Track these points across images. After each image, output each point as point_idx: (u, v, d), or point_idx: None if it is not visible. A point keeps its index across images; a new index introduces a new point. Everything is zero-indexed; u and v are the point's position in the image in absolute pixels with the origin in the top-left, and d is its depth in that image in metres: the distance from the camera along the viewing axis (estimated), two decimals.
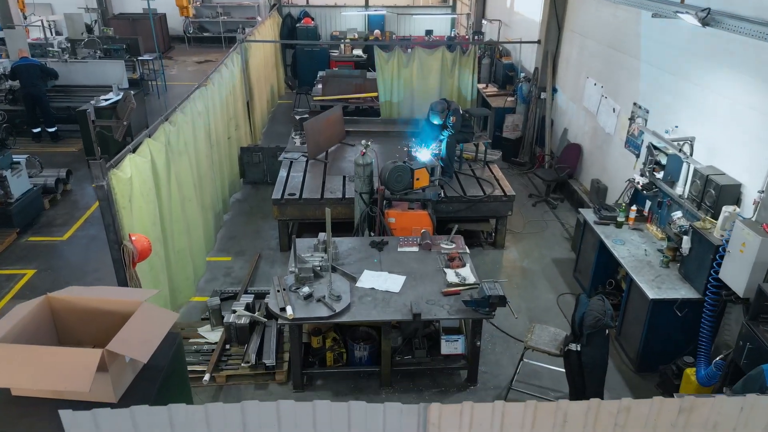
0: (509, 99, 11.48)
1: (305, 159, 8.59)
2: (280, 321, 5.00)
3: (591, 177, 8.62)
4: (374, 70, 13.87)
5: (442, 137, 7.73)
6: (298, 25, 15.38)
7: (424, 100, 10.46)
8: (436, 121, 7.61)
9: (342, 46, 15.69)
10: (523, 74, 11.30)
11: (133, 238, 4.60)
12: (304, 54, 15.39)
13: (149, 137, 5.47)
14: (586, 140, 8.93)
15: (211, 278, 7.18)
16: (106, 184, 4.35)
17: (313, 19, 15.72)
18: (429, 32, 16.09)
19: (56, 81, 11.84)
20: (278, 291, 5.24)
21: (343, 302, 5.14)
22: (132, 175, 4.94)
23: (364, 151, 6.66)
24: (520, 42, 10.91)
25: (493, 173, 8.22)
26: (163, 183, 5.73)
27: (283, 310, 5.00)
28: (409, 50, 10.70)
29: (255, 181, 9.88)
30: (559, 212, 9.00)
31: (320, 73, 13.61)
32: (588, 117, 8.83)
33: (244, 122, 10.23)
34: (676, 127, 6.28)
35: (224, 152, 8.56)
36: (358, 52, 15.71)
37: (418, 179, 6.83)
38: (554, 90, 10.23)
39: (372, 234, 6.90)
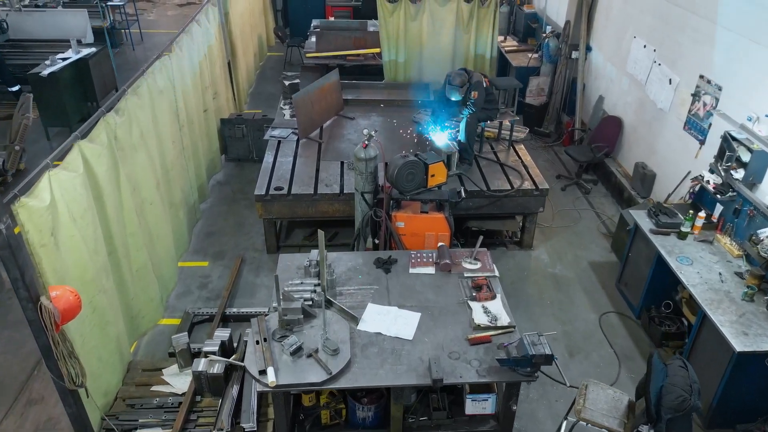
0: (532, 56, 9.94)
1: (296, 137, 7.22)
2: (259, 387, 3.84)
3: (634, 159, 7.29)
4: (377, 19, 12.25)
5: (461, 116, 6.35)
6: None
7: (435, 60, 8.98)
8: (454, 97, 6.20)
9: None
10: (549, 28, 9.71)
11: (54, 293, 3.36)
12: None
13: (81, 138, 4.12)
14: (628, 113, 7.53)
15: (183, 291, 6.00)
16: (4, 227, 3.06)
17: None
18: None
19: (8, 35, 10.25)
20: (257, 342, 4.06)
21: (342, 357, 3.97)
22: (55, 199, 3.65)
23: (366, 142, 5.31)
24: None
25: (519, 157, 6.88)
26: (108, 193, 4.43)
27: (263, 373, 3.84)
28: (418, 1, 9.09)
29: (239, 158, 8.53)
30: (594, 198, 7.72)
31: (314, 23, 11.94)
32: (633, 85, 7.39)
33: (225, 87, 8.77)
34: (767, 116, 4.92)
35: (199, 130, 7.18)
36: None
37: (433, 176, 5.52)
38: (588, 49, 8.71)
39: (376, 241, 5.66)
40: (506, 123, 7.16)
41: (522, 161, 6.78)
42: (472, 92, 6.20)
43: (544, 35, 9.60)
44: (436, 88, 8.70)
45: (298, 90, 8.37)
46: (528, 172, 6.53)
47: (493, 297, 4.56)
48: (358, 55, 10.12)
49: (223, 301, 5.65)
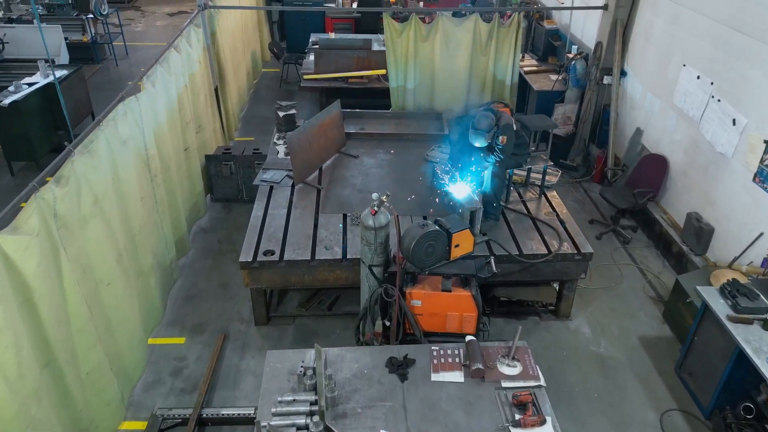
0: (553, 77, 8.92)
1: (291, 181, 6.19)
2: None
3: (684, 207, 6.27)
4: (381, 33, 11.24)
5: (486, 163, 5.33)
6: None
7: (449, 86, 7.97)
8: (480, 143, 5.17)
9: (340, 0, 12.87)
10: (575, 48, 8.68)
11: None
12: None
13: None
14: (676, 153, 6.50)
15: (153, 381, 4.96)
16: None
17: None
18: None
19: None
20: None
21: None
22: None
23: (375, 209, 4.29)
24: (580, 8, 8.23)
25: (554, 209, 5.85)
26: (42, 293, 3.40)
27: None
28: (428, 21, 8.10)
29: (226, 198, 7.50)
30: (635, 249, 6.69)
31: (312, 38, 10.93)
32: (682, 122, 6.37)
33: (212, 117, 7.74)
34: None
35: (179, 174, 6.16)
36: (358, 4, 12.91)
37: (457, 246, 4.50)
38: (622, 74, 7.69)
39: (387, 323, 4.63)
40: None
41: (557, 214, 5.75)
42: (501, 137, 5.17)
43: (570, 56, 8.58)
44: (449, 116, 7.71)
45: (294, 121, 7.38)
46: (566, 230, 5.50)
47: (542, 422, 3.53)
48: (362, 77, 9.10)
49: (200, 399, 4.61)
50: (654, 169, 6.71)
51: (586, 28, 8.73)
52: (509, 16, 7.67)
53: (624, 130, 7.66)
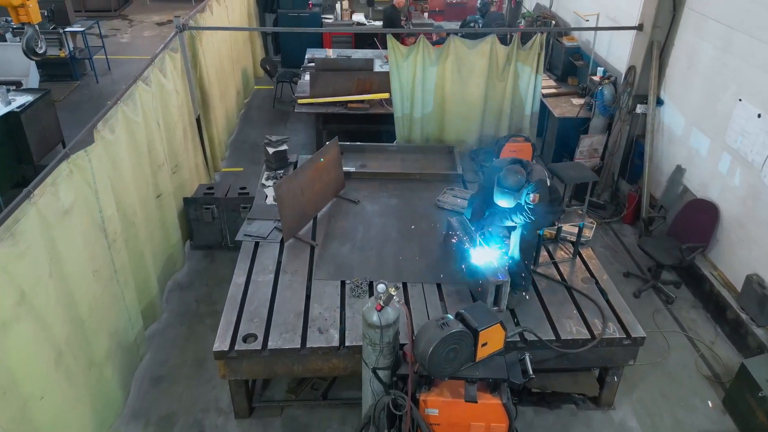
0: (575, 102, 8.03)
1: (280, 235, 5.27)
2: None
3: (741, 266, 5.35)
4: (384, 48, 10.33)
5: (516, 224, 4.41)
6: None
7: (461, 115, 7.06)
8: (507, 203, 4.24)
9: (339, 10, 11.94)
10: (601, 70, 7.77)
11: None
12: (289, 21, 11.71)
13: None
14: (730, 201, 5.59)
15: None
16: None
17: None
18: None
19: None
20: None
21: None
22: None
23: (381, 304, 3.36)
24: (610, 29, 7.31)
25: (592, 274, 4.92)
26: None
27: None
28: (436, 41, 7.19)
29: (208, 245, 6.58)
30: (680, 310, 5.78)
31: (308, 55, 10.02)
32: (738, 165, 5.45)
33: (193, 152, 6.82)
34: None
35: (148, 227, 5.25)
36: (359, 17, 12.00)
37: (485, 344, 3.58)
38: (659, 103, 6.77)
39: None
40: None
41: (596, 281, 4.82)
42: (532, 195, 4.25)
43: (596, 79, 7.68)
44: (460, 149, 6.80)
45: (286, 158, 6.47)
46: (609, 303, 4.58)
47: None
48: (362, 101, 8.18)
49: None
50: (701, 218, 5.79)
51: (613, 47, 7.81)
52: (519, 36, 6.74)
53: (661, 166, 6.74)
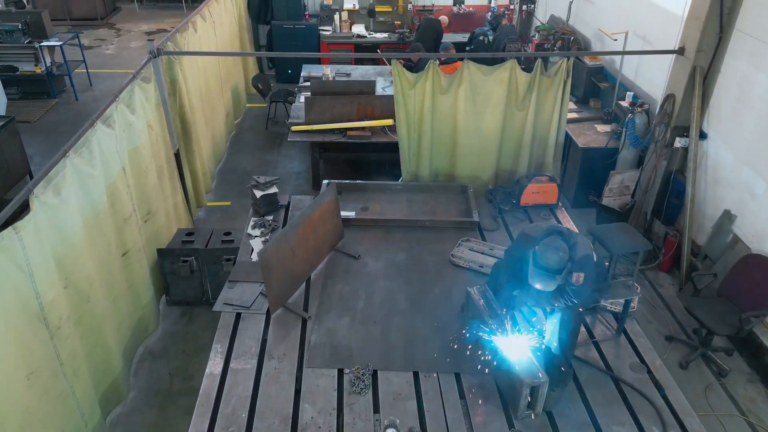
0: (601, 129, 7.21)
1: (266, 302, 4.43)
2: None
3: None
4: (387, 64, 9.55)
5: (554, 310, 3.58)
6: None
7: (475, 148, 6.23)
8: (547, 286, 3.40)
9: (337, 22, 11.11)
10: (631, 95, 6.95)
11: None
12: (284, 33, 10.89)
13: None
14: None
15: None
16: None
17: None
18: (459, 1, 11.46)
19: None
20: None
21: None
22: None
23: None
24: (647, 53, 6.48)
25: (642, 359, 4.08)
26: None
27: None
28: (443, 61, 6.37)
29: (187, 301, 5.75)
30: (735, 386, 4.95)
31: (304, 74, 9.20)
32: None
33: (171, 191, 5.99)
34: None
35: (112, 293, 4.43)
36: (359, 29, 11.17)
37: None
38: (702, 136, 5.95)
39: None
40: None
41: (649, 369, 3.98)
42: (575, 275, 3.42)
43: (624, 104, 6.86)
44: (475, 187, 5.97)
45: (276, 202, 5.64)
46: (668, 402, 3.74)
47: None
48: (364, 128, 7.36)
49: None
50: (760, 278, 4.95)
51: (643, 69, 6.99)
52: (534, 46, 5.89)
53: (704, 209, 5.92)
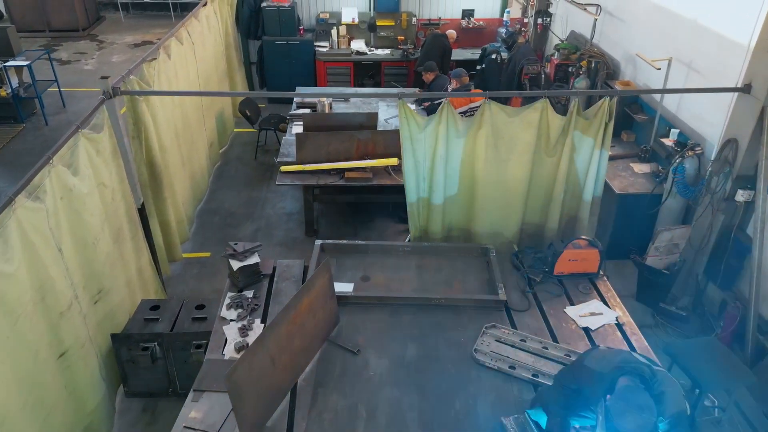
0: (638, 169, 6.23)
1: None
2: None
3: None
4: (393, 86, 8.59)
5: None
6: (265, 5, 9.75)
7: (497, 202, 5.25)
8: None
9: (335, 37, 10.11)
10: (677, 132, 5.96)
11: None
12: (276, 50, 9.91)
13: None
14: None
15: None
16: None
17: None
18: (468, 14, 10.47)
19: None
20: None
21: None
22: None
23: None
24: (703, 90, 5.47)
25: None
26: None
27: None
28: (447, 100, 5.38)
29: (150, 392, 4.75)
30: None
31: (297, 99, 8.19)
32: None
33: (132, 257, 4.99)
34: None
35: (44, 405, 3.43)
36: (359, 45, 10.18)
37: None
38: None
39: None
40: None
41: None
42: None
43: (670, 144, 5.88)
44: (497, 248, 4.97)
45: (258, 273, 4.65)
46: None
47: None
48: (364, 168, 6.37)
49: None
50: None
51: (688, 102, 6.00)
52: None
53: None
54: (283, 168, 6.37)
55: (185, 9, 14.99)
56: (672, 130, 5.99)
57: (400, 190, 5.48)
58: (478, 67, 9.40)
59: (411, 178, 5.14)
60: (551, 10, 10.05)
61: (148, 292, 5.29)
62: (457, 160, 5.08)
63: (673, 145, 5.87)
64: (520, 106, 7.44)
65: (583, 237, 4.77)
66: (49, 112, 9.76)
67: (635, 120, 6.80)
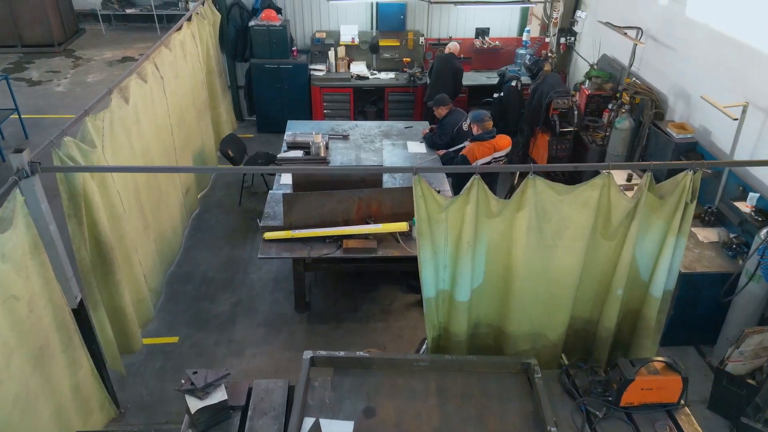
0: (702, 236, 5.07)
1: None
2: None
3: None
4: (402, 120, 7.49)
5: None
6: (252, 23, 8.57)
7: (539, 298, 4.06)
8: None
9: (332, 59, 8.93)
10: (755, 196, 4.80)
11: None
12: (265, 73, 8.76)
13: None
14: None
15: None
16: None
17: (280, 13, 8.87)
18: (483, 33, 9.28)
19: None
20: None
21: None
22: None
23: None
24: None
25: None
26: None
27: None
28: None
29: None
30: None
31: (288, 136, 7.03)
32: None
33: (67, 372, 3.82)
34: None
35: None
36: (359, 68, 9.01)
37: None
38: None
39: None
40: None
41: None
42: None
43: (747, 209, 4.71)
44: (540, 360, 3.82)
45: (225, 410, 3.48)
46: None
47: None
48: (366, 236, 5.20)
49: None
50: None
51: (765, 151, 4.84)
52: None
53: None
54: (268, 235, 5.19)
55: (171, 20, 13.83)
56: (751, 195, 4.82)
57: (412, 259, 4.34)
58: (496, 95, 8.24)
59: (428, 270, 3.95)
60: (576, 28, 8.92)
61: (90, 412, 4.12)
62: (488, 245, 3.91)
63: (752, 213, 4.72)
64: (548, 143, 6.29)
65: (661, 359, 3.60)
66: (8, 145, 8.60)
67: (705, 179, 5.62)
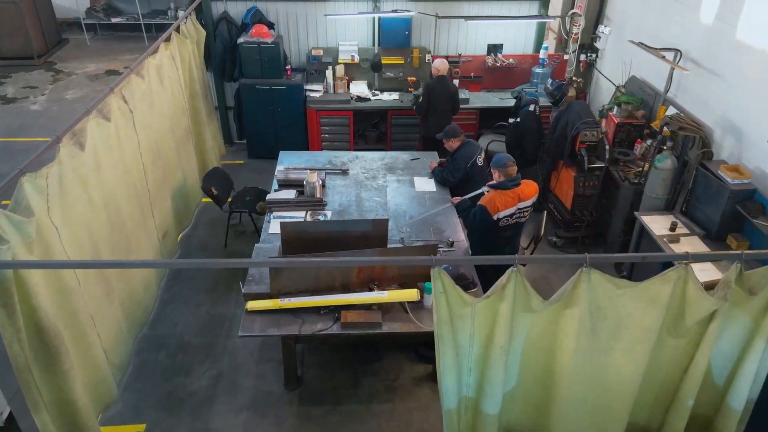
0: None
1: None
2: None
3: None
4: (412, 152, 6.69)
5: None
6: (241, 40, 7.73)
7: (588, 404, 3.21)
8: None
9: (330, 79, 8.09)
10: None
11: None
12: (256, 95, 7.93)
13: None
14: None
15: None
16: None
17: (272, 28, 8.02)
18: (495, 49, 8.41)
19: None
20: None
21: None
22: None
23: None
24: None
25: None
26: None
27: None
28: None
29: None
30: None
31: (280, 173, 6.19)
32: None
33: None
34: None
35: None
36: (360, 88, 8.16)
37: None
38: None
39: None
40: None
41: None
42: None
43: None
44: None
45: None
46: None
47: None
48: (370, 306, 4.36)
49: None
50: None
51: None
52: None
53: None
54: (251, 305, 4.35)
55: (160, 30, 12.96)
56: None
57: (426, 337, 3.52)
58: (511, 121, 7.39)
59: (450, 377, 3.12)
60: (598, 44, 8.09)
61: None
62: (527, 346, 3.09)
63: None
64: (574, 180, 5.51)
65: None
66: None
67: (752, 223, 4.80)
